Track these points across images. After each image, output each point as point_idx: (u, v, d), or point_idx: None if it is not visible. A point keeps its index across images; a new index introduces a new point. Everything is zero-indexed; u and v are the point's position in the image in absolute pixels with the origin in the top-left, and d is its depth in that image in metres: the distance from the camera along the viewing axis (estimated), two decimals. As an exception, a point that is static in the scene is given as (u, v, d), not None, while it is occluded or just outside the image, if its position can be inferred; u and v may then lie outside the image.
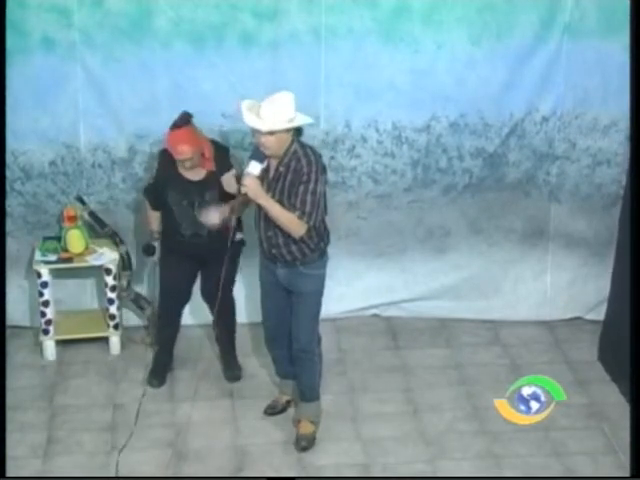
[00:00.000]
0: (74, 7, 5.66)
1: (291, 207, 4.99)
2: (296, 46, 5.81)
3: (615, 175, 6.33)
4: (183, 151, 5.38)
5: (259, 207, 5.09)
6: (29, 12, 5.65)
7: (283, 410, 5.69)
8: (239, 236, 5.67)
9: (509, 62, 5.97)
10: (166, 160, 5.55)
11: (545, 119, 6.17)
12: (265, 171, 5.06)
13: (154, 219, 5.79)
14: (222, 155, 5.58)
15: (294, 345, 5.35)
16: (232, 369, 6.01)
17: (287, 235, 5.06)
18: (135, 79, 5.83)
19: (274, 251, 5.15)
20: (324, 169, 5.09)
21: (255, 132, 4.98)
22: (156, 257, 5.85)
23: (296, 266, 5.16)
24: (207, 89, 5.82)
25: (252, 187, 4.96)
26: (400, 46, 5.88)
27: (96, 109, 5.91)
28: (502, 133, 6.18)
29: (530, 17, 5.88)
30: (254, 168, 4.99)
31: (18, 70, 5.68)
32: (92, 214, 6.10)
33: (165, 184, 5.59)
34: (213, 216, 5.25)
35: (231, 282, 5.83)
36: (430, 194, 6.31)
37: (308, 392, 5.47)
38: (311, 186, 4.97)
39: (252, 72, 5.84)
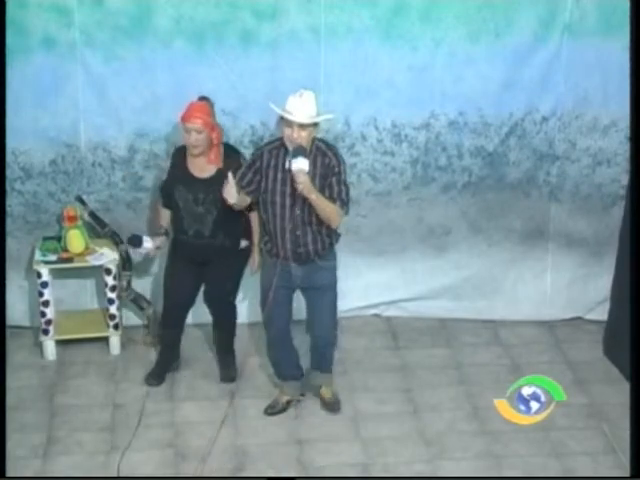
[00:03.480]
0: (74, 6, 5.66)
1: (327, 197, 5.17)
2: (296, 44, 5.81)
3: (615, 175, 6.33)
4: (196, 119, 5.40)
5: (281, 210, 5.20)
6: (29, 12, 5.64)
7: (283, 410, 5.70)
8: (244, 243, 5.70)
9: (508, 61, 5.97)
10: (178, 157, 5.62)
11: (545, 119, 6.17)
12: (284, 169, 5.16)
13: (164, 216, 5.81)
14: (232, 156, 5.59)
15: (317, 336, 5.56)
16: (227, 370, 6.01)
17: (317, 230, 5.24)
18: (135, 78, 5.83)
19: (300, 250, 5.26)
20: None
21: (286, 128, 5.10)
22: (142, 249, 5.76)
23: (314, 261, 5.31)
24: (207, 87, 5.80)
25: (307, 183, 5.05)
26: (399, 44, 5.89)
27: (96, 108, 5.91)
28: (502, 132, 6.18)
29: (530, 16, 5.89)
30: (303, 164, 5.04)
31: (18, 70, 5.68)
32: (92, 214, 6.10)
33: (175, 180, 5.62)
34: (229, 192, 5.25)
35: (235, 289, 5.86)
36: (429, 192, 6.31)
37: (327, 365, 5.71)
38: (342, 177, 5.23)
39: (252, 70, 5.85)
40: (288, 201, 5.21)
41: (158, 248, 5.80)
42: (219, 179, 5.45)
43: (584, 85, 6.10)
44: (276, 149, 5.24)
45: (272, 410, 5.69)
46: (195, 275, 5.78)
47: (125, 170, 6.10)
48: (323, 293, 5.44)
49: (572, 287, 6.61)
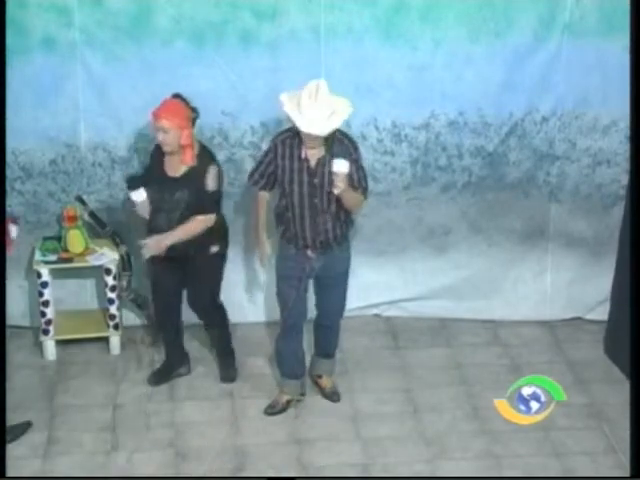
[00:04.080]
0: (74, 6, 5.65)
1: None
2: (296, 44, 5.81)
3: (615, 175, 6.33)
4: (161, 118, 5.31)
5: (299, 199, 5.25)
6: (29, 12, 5.64)
7: (283, 410, 5.69)
8: (214, 249, 5.58)
9: (508, 60, 5.97)
10: (156, 155, 5.54)
11: (545, 119, 6.17)
12: (302, 160, 5.20)
13: (144, 207, 5.63)
14: (207, 157, 5.48)
15: (327, 320, 5.66)
16: (227, 370, 6.00)
17: (336, 217, 5.30)
18: (135, 78, 5.82)
19: (321, 237, 5.32)
20: None
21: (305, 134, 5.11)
22: (134, 195, 5.56)
23: (332, 249, 5.39)
24: (207, 87, 5.81)
25: (345, 185, 5.10)
26: (399, 44, 5.88)
27: (96, 108, 5.91)
28: (502, 132, 6.17)
29: (530, 16, 5.88)
30: (344, 166, 5.06)
31: (18, 70, 5.67)
32: (92, 214, 6.10)
33: (149, 177, 5.58)
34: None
35: (214, 292, 5.78)
36: (429, 192, 6.31)
37: (333, 349, 5.81)
38: (360, 163, 5.27)
39: (252, 70, 5.84)
40: (306, 189, 5.25)
41: (143, 205, 5.57)
42: (190, 178, 5.41)
43: (584, 85, 6.09)
44: (289, 139, 5.26)
45: (272, 410, 5.68)
46: (176, 273, 5.68)
47: (125, 170, 6.09)
48: (337, 281, 5.54)
49: (572, 287, 6.60)
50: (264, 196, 5.53)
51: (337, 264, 5.48)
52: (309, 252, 5.36)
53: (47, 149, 6.00)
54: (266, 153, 5.40)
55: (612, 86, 6.04)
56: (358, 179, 5.25)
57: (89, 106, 5.90)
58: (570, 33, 5.94)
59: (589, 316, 6.63)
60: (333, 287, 5.56)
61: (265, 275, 6.32)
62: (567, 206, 6.42)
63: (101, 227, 6.11)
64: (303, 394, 5.77)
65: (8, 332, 5.78)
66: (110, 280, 6.09)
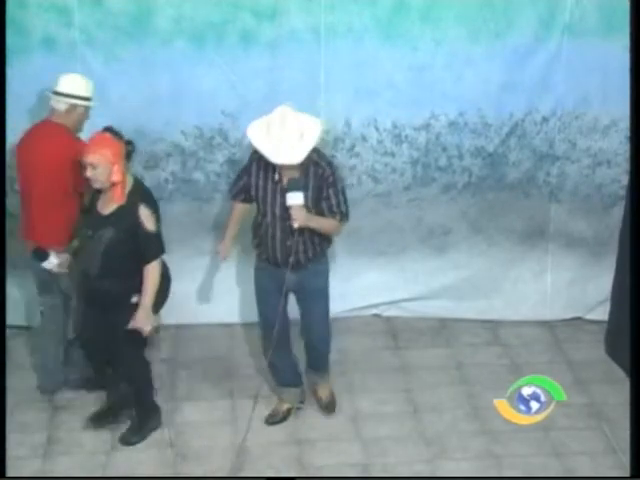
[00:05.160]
0: (74, 6, 5.66)
1: (325, 211, 5.08)
2: (296, 45, 5.81)
3: (615, 175, 6.33)
4: (89, 153, 4.98)
5: (272, 219, 5.11)
6: (29, 12, 5.65)
7: (284, 419, 5.64)
8: (134, 299, 5.13)
9: (508, 61, 5.97)
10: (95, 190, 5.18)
11: (545, 119, 6.17)
12: (275, 182, 5.07)
13: (62, 266, 5.30)
14: (138, 195, 5.09)
15: (314, 340, 5.51)
16: (131, 430, 5.48)
17: (309, 239, 5.16)
18: (135, 78, 5.83)
19: (291, 259, 5.13)
20: None
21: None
22: (47, 264, 5.24)
23: (307, 266, 5.23)
24: (207, 87, 5.82)
25: (302, 218, 4.99)
26: (399, 44, 5.89)
27: (96, 108, 5.89)
28: (502, 133, 6.18)
29: (530, 16, 5.89)
30: (297, 199, 4.96)
31: (18, 70, 5.68)
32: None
33: (82, 212, 5.26)
34: None
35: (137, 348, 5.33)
36: (430, 193, 6.31)
37: (323, 365, 5.69)
38: (339, 186, 5.11)
39: (252, 71, 5.85)
40: (278, 211, 5.11)
41: (61, 265, 5.28)
42: (118, 217, 5.06)
43: (584, 85, 6.10)
44: (264, 159, 5.04)
45: (273, 420, 5.62)
46: (97, 317, 5.27)
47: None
48: (316, 297, 5.38)
49: (572, 287, 6.60)
50: (242, 208, 5.39)
51: (313, 279, 5.30)
52: (283, 269, 5.19)
53: (47, 150, 5.99)
54: (244, 168, 5.29)
55: (612, 86, 6.05)
56: (337, 203, 5.09)
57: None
58: (570, 33, 5.95)
59: (589, 316, 6.64)
60: (312, 303, 5.38)
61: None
62: (567, 206, 6.42)
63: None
64: (302, 401, 5.72)
65: (8, 332, 5.79)
66: (110, 280, 6.07)
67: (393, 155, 6.20)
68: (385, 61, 5.92)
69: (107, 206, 5.11)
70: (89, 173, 5.00)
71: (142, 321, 5.10)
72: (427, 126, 6.13)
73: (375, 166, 6.21)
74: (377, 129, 6.12)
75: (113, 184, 5.03)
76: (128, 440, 5.44)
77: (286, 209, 5.05)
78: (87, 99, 5.47)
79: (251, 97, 5.92)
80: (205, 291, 6.41)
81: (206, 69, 5.84)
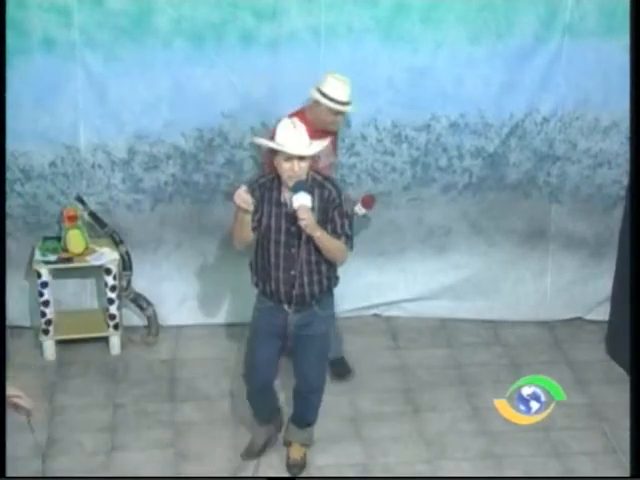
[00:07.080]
0: (74, 7, 5.65)
1: (329, 233, 4.75)
2: (296, 45, 5.81)
3: (616, 176, 6.33)
4: None
5: (275, 247, 4.78)
6: (29, 12, 5.64)
7: (262, 451, 5.33)
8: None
9: (509, 61, 5.97)
10: None
11: (546, 120, 6.17)
12: (278, 204, 4.77)
13: None
14: None
15: (304, 387, 5.14)
16: None
17: (316, 270, 4.83)
18: (135, 78, 5.82)
19: (295, 291, 4.81)
20: None
21: (285, 162, 4.62)
22: None
23: (312, 307, 4.91)
24: (207, 88, 5.82)
25: (310, 220, 4.60)
26: (399, 44, 5.88)
27: (96, 109, 5.91)
28: (502, 133, 6.18)
29: (530, 17, 5.89)
30: (305, 199, 4.59)
31: (18, 70, 5.67)
32: (92, 214, 6.10)
33: None
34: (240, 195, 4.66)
35: None
36: (430, 193, 6.31)
37: (310, 421, 5.32)
38: (344, 209, 4.80)
39: (252, 71, 5.84)
40: (283, 238, 4.78)
41: None
42: None
43: (585, 86, 6.10)
44: (269, 182, 4.78)
45: (248, 456, 5.31)
46: None
47: (125, 172, 6.09)
48: (316, 342, 4.99)
49: (572, 287, 6.61)
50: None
51: (315, 323, 4.92)
52: (285, 306, 4.87)
53: (46, 151, 5.99)
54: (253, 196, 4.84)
55: (612, 87, 6.05)
56: (342, 225, 4.75)
57: (89, 107, 5.90)
58: (570, 34, 5.95)
59: (589, 316, 6.64)
60: (310, 349, 4.98)
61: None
62: (567, 207, 6.43)
63: (101, 227, 6.11)
64: (280, 430, 5.44)
65: (8, 332, 5.80)
66: (110, 280, 6.09)
67: (393, 154, 6.20)
68: (385, 62, 5.92)
69: None
70: None
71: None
72: (427, 127, 6.13)
73: (375, 165, 6.21)
74: (377, 128, 6.11)
75: None
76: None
77: (291, 235, 4.75)
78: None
79: (251, 97, 5.92)
80: (205, 291, 6.41)
81: (206, 69, 5.83)
